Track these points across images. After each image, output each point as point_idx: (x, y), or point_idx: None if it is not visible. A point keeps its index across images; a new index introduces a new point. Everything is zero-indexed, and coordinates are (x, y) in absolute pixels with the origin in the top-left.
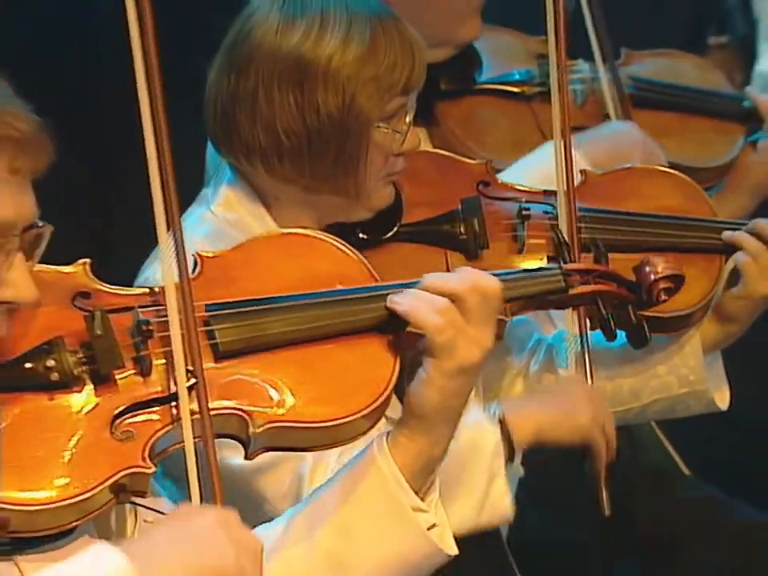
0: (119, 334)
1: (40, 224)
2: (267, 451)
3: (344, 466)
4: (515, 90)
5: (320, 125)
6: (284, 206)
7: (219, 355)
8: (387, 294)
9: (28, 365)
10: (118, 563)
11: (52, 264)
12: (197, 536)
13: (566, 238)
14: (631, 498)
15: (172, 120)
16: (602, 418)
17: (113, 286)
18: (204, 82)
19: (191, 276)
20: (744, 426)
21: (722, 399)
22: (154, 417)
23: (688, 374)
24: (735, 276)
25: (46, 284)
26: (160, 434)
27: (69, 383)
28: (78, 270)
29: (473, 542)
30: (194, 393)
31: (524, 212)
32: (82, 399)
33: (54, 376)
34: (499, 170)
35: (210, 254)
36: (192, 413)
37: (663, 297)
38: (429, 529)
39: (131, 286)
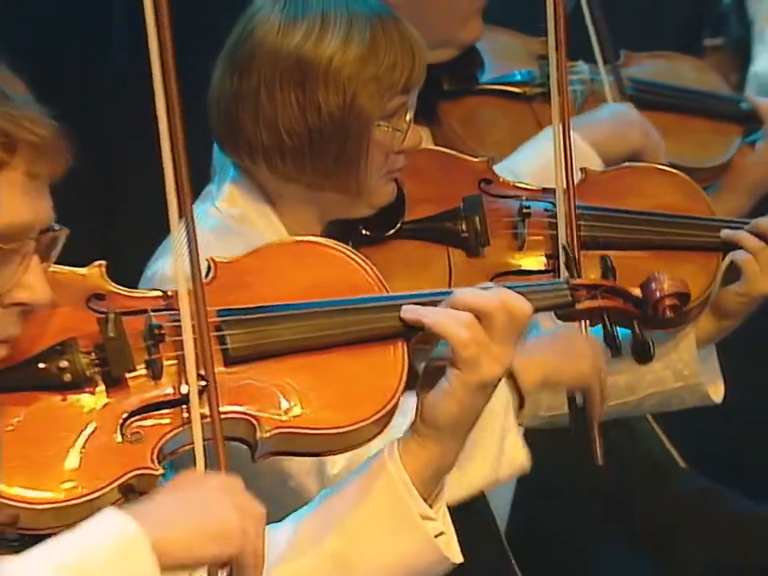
0: (132, 336)
1: (56, 227)
2: (274, 455)
3: (355, 470)
4: (516, 90)
5: (321, 124)
6: (287, 203)
7: (229, 360)
8: (397, 304)
9: (41, 365)
10: (125, 527)
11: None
12: (201, 501)
13: (574, 253)
14: (630, 489)
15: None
16: (600, 365)
17: (127, 289)
18: (208, 81)
19: (205, 281)
20: (739, 417)
21: (717, 392)
22: (164, 419)
23: (683, 369)
24: (732, 273)
25: (61, 285)
26: (169, 436)
27: (81, 384)
28: (94, 272)
29: (471, 536)
30: (204, 396)
31: (525, 210)
32: (94, 400)
33: (67, 377)
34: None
35: (223, 260)
36: (202, 416)
37: (668, 313)
38: (436, 537)
39: (134, 284)
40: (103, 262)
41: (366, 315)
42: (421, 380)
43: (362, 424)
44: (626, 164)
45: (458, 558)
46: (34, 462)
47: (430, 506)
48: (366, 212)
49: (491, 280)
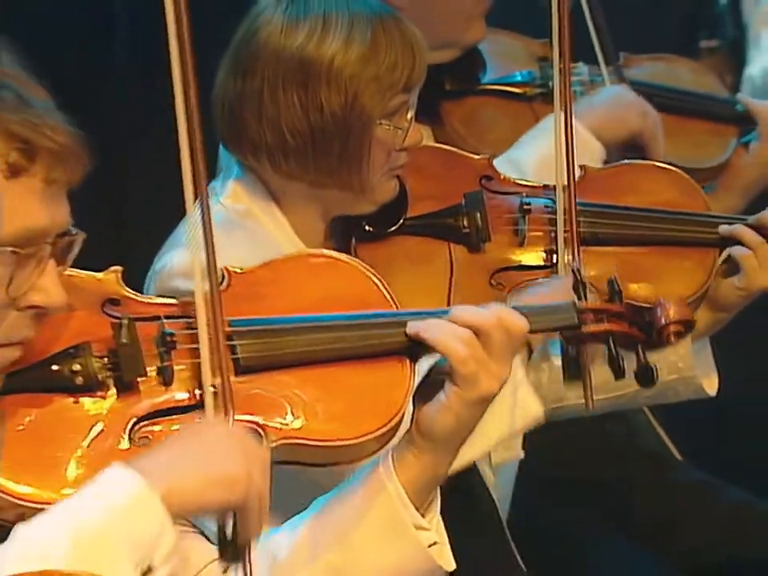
0: (145, 342)
1: (73, 231)
2: (277, 465)
3: (349, 479)
4: (517, 90)
5: (324, 123)
6: (291, 200)
7: (239, 370)
8: (407, 321)
9: (55, 367)
10: (134, 483)
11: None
12: (207, 447)
13: (583, 276)
14: (628, 481)
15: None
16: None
17: (142, 295)
18: (212, 81)
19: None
20: (733, 410)
21: (711, 385)
22: (173, 425)
23: (677, 361)
24: (730, 267)
25: (77, 288)
26: None
27: (93, 387)
28: (110, 278)
29: (474, 526)
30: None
31: (525, 206)
32: (105, 404)
33: (79, 380)
34: None
35: (237, 270)
36: None
37: (673, 340)
38: (430, 546)
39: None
40: (119, 268)
41: (375, 330)
42: (418, 391)
43: (367, 437)
44: (625, 161)
45: (451, 566)
46: (43, 462)
47: (423, 515)
48: (369, 209)
49: (492, 275)
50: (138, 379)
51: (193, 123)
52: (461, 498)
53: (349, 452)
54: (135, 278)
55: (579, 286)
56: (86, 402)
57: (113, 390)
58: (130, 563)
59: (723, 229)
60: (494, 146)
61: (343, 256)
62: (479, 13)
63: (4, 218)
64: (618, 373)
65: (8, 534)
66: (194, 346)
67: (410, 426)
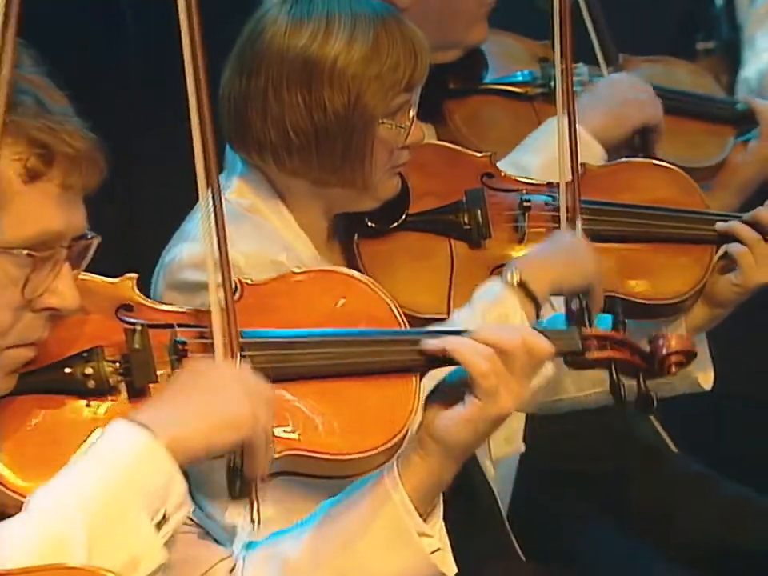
0: (157, 349)
1: (89, 235)
2: (280, 476)
3: (354, 485)
4: (518, 90)
5: (327, 122)
6: (294, 197)
7: None
8: (415, 339)
9: (68, 370)
10: (137, 439)
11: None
12: (210, 392)
13: (587, 303)
14: (625, 473)
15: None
16: (598, 265)
17: (156, 302)
18: (218, 80)
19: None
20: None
21: (706, 380)
22: None
23: None
24: (725, 265)
25: (92, 293)
26: None
27: (104, 391)
28: (125, 284)
29: (475, 519)
30: None
31: (525, 203)
32: (116, 408)
33: (91, 383)
34: None
35: (249, 281)
36: None
37: (674, 370)
38: (432, 553)
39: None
40: (134, 275)
41: (383, 347)
42: (429, 400)
43: (370, 453)
44: (624, 159)
45: (452, 572)
46: (53, 462)
47: (426, 520)
48: (372, 205)
49: (492, 271)
50: (150, 385)
51: (204, 118)
52: (462, 491)
53: (351, 466)
54: (143, 277)
55: (584, 312)
56: (98, 405)
57: (124, 395)
58: (146, 517)
59: (720, 226)
60: (495, 145)
61: (356, 274)
62: (482, 14)
63: (21, 221)
64: (619, 400)
65: None
66: (206, 354)
67: (419, 431)
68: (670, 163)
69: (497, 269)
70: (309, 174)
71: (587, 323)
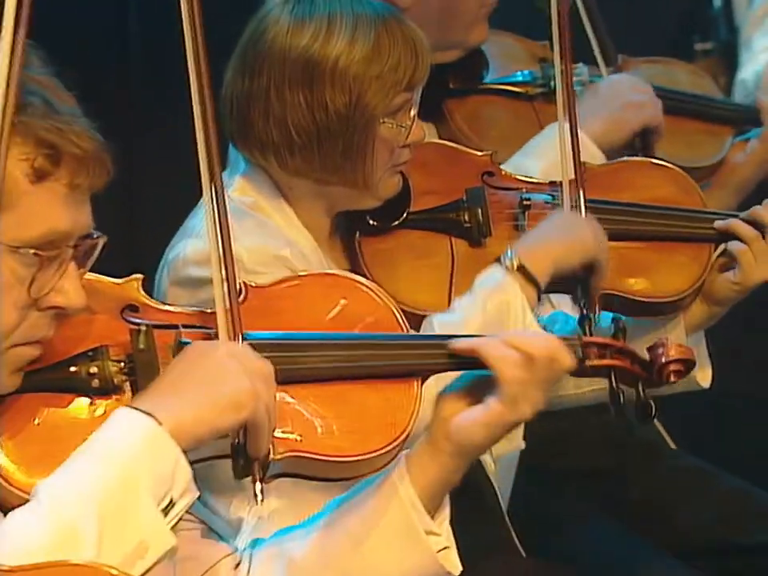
0: (161, 350)
1: (95, 235)
2: (281, 477)
3: (361, 483)
4: (518, 90)
5: (329, 122)
6: (296, 195)
7: None
8: (417, 344)
9: (73, 368)
10: (141, 426)
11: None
12: (211, 373)
13: (589, 311)
14: (625, 469)
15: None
16: (600, 235)
17: (161, 303)
18: (221, 81)
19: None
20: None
21: (704, 378)
22: None
23: None
24: (724, 263)
25: (98, 293)
26: None
27: (109, 390)
28: (131, 285)
29: (475, 514)
30: None
31: (525, 201)
32: (120, 407)
33: (95, 382)
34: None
35: (253, 284)
36: None
37: (672, 379)
38: (439, 551)
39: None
40: (140, 276)
41: (386, 351)
42: (442, 398)
43: (371, 455)
44: (623, 158)
45: (457, 570)
46: (56, 460)
47: (434, 517)
48: (373, 204)
49: None
50: None
51: (207, 113)
52: (462, 486)
53: (352, 468)
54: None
55: (585, 320)
56: (102, 404)
57: (128, 395)
58: (153, 502)
59: (719, 223)
60: (495, 143)
61: (361, 279)
62: (482, 15)
63: (28, 220)
64: (617, 409)
65: None
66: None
67: (431, 429)
68: (669, 162)
69: None
70: (311, 173)
71: (588, 331)
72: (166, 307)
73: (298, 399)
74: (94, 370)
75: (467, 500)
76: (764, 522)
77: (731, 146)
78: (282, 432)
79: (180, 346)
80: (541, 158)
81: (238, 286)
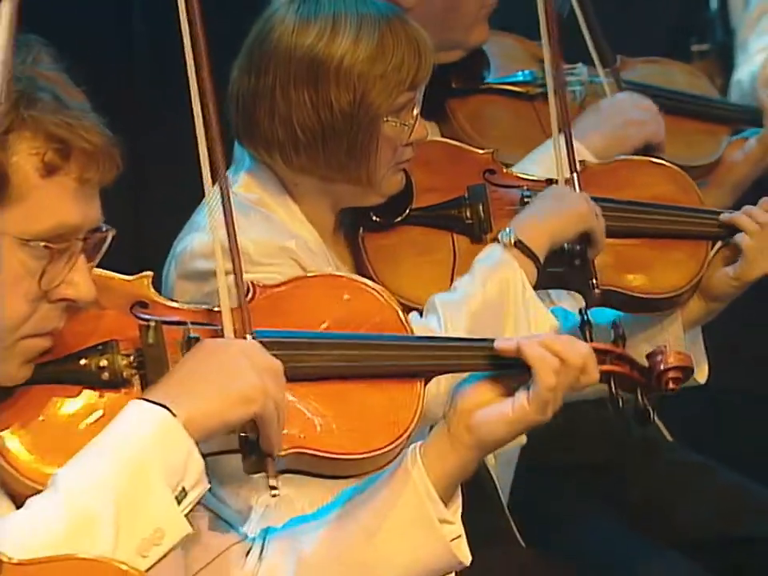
0: (170, 346)
1: (104, 228)
2: (284, 473)
3: (374, 476)
4: (519, 89)
5: (333, 120)
6: (301, 192)
7: None
8: (421, 345)
9: (83, 361)
10: (156, 418)
11: None
12: (221, 368)
13: (589, 317)
14: (623, 462)
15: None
16: (593, 208)
17: (170, 300)
18: (227, 79)
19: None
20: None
21: (701, 374)
22: None
23: None
24: (722, 259)
25: (108, 289)
26: None
27: (118, 384)
28: (141, 281)
29: (476, 507)
30: None
31: (526, 199)
32: (129, 401)
33: (105, 375)
34: (503, 164)
35: (261, 284)
36: None
37: (671, 386)
38: (452, 540)
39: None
40: (150, 273)
41: (390, 352)
42: (463, 391)
43: (374, 453)
44: (622, 157)
45: (468, 560)
46: (66, 451)
47: (447, 506)
48: (376, 200)
49: None
50: None
51: (208, 106)
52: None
53: (354, 466)
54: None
55: (585, 326)
56: (111, 397)
57: (137, 388)
58: (168, 490)
59: (725, 216)
60: (497, 142)
61: (368, 281)
62: (482, 16)
63: (39, 214)
64: (617, 414)
65: None
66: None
67: (451, 420)
68: (667, 161)
69: None
70: (315, 171)
71: (588, 337)
72: (176, 304)
73: (304, 397)
74: (103, 363)
75: (466, 491)
76: (762, 517)
77: (727, 144)
78: (287, 429)
79: (189, 341)
80: (540, 165)
81: (246, 286)
